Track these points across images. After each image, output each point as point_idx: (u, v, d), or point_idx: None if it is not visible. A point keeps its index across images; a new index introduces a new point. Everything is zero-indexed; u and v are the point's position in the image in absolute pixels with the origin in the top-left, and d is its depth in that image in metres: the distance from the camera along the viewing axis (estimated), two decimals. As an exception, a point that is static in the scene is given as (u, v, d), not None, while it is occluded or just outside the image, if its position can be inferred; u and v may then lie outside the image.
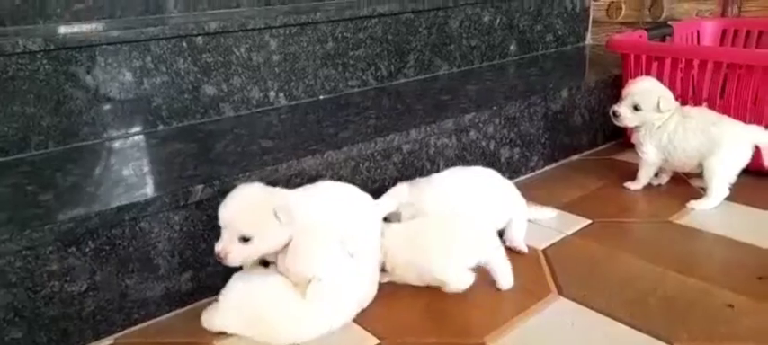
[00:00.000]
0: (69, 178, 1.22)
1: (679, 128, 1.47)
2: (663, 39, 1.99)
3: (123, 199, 1.07)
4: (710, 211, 1.42)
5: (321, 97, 1.86)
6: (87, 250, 1.02)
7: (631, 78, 1.77)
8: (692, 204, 1.44)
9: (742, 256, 1.21)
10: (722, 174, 1.42)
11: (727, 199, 1.44)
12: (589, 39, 2.64)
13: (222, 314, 1.02)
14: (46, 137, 1.42)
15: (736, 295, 1.07)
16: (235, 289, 1.02)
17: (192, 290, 1.14)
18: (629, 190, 1.57)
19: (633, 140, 1.57)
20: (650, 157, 1.52)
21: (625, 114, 1.51)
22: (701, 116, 1.48)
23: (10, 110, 1.37)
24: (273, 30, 1.72)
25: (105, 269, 1.05)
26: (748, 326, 0.98)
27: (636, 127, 1.53)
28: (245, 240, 0.99)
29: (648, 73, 1.72)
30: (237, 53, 1.67)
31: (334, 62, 1.87)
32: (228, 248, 0.99)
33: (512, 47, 2.35)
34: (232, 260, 1.00)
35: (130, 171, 1.25)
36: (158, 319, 1.11)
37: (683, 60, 1.66)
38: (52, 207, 1.06)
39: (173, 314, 1.13)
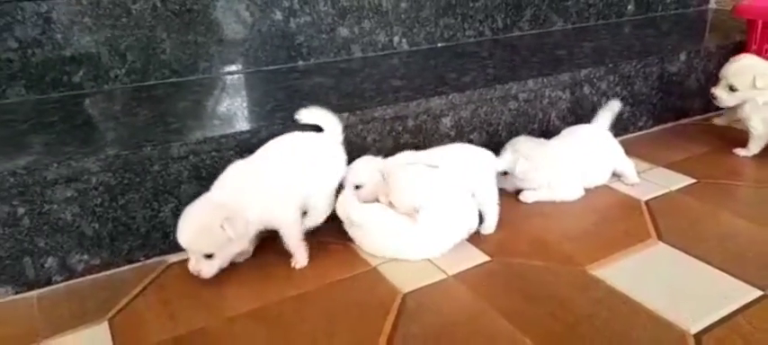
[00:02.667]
0: (235, 99, 1.46)
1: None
2: (796, 6, 1.92)
3: (285, 118, 1.29)
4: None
5: (439, 45, 2.00)
6: (257, 157, 1.25)
7: (755, 45, 1.77)
8: None
9: None
10: None
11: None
12: (713, 3, 2.56)
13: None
14: (211, 63, 1.67)
15: (835, 256, 1.13)
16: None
17: (331, 201, 1.35)
18: (737, 155, 1.60)
19: (739, 116, 1.59)
20: (759, 131, 1.54)
21: (722, 96, 1.54)
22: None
23: (185, 38, 1.62)
24: (403, -22, 1.86)
25: (268, 175, 1.27)
26: (844, 286, 1.05)
27: (739, 105, 1.55)
28: (209, 256, 1.07)
29: (775, 41, 1.71)
30: (370, -1, 1.83)
31: (454, 12, 1.99)
32: (198, 267, 1.08)
33: (630, 6, 2.35)
34: (207, 274, 1.08)
35: (284, 96, 1.46)
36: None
37: (815, 30, 1.63)
38: (229, 119, 1.30)
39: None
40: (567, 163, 1.40)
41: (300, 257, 1.17)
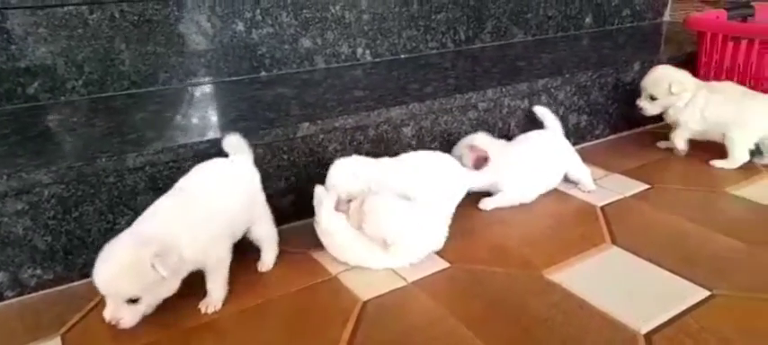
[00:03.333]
0: (195, 109, 1.45)
1: (710, 103, 1.59)
2: (744, 19, 2.01)
3: (245, 128, 1.28)
4: (764, 185, 1.50)
5: (402, 56, 2.02)
6: (216, 167, 1.24)
7: (706, 56, 1.84)
8: (715, 163, 1.62)
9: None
10: (744, 141, 1.58)
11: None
12: (667, 16, 2.65)
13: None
14: (171, 74, 1.66)
15: (778, 256, 1.17)
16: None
17: (293, 212, 1.35)
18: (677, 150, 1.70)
19: (667, 121, 1.70)
20: (689, 127, 1.65)
21: (645, 106, 1.66)
22: (730, 89, 1.61)
23: (144, 49, 1.60)
24: (365, -10, 1.89)
25: (228, 185, 1.27)
26: (786, 284, 1.09)
27: (664, 112, 1.66)
28: (133, 301, 0.93)
29: (724, 52, 1.78)
30: (333, 10, 1.85)
31: (417, 24, 2.02)
32: (118, 314, 0.93)
33: (587, 19, 2.42)
34: (128, 324, 0.94)
35: (245, 107, 1.46)
36: (267, 231, 1.33)
37: (758, 41, 1.70)
38: (188, 130, 1.29)
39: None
40: (524, 166, 1.43)
41: (219, 297, 1.07)
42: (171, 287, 0.98)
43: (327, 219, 1.19)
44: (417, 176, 1.28)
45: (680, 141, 1.68)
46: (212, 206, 1.05)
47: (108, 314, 0.93)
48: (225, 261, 1.08)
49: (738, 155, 1.59)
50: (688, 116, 1.63)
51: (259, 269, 1.18)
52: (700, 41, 1.85)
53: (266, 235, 1.19)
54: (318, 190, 1.21)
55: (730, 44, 1.77)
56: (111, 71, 1.58)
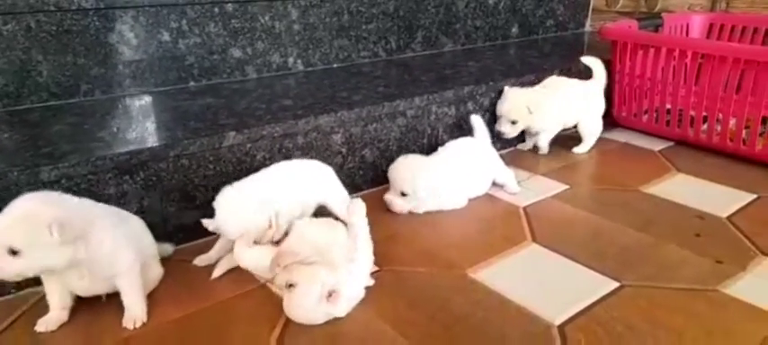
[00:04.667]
0: (118, 121, 1.42)
1: (562, 105, 1.76)
2: (656, 29, 2.16)
3: (168, 139, 1.27)
4: (673, 183, 1.61)
5: (335, 65, 2.04)
6: (138, 179, 1.22)
7: (620, 64, 1.96)
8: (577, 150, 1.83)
9: (687, 217, 1.42)
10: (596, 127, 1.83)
11: (683, 172, 1.70)
12: (588, 26, 2.80)
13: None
14: (93, 85, 1.61)
15: (679, 248, 1.26)
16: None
17: (221, 221, 1.34)
18: (525, 150, 1.87)
19: (531, 134, 1.83)
20: (549, 133, 1.81)
21: (507, 131, 1.72)
22: (563, 84, 1.81)
23: (63, 59, 1.55)
24: (295, 1, 1.90)
25: (152, 197, 1.24)
26: (686, 274, 1.18)
27: (527, 129, 1.78)
28: (13, 253, 0.90)
29: (634, 59, 1.90)
30: (262, 20, 1.85)
31: (348, 34, 2.05)
32: None
33: (514, 29, 2.52)
34: (5, 273, 0.91)
35: (170, 117, 1.44)
36: (195, 242, 1.31)
37: (665, 49, 1.82)
38: (109, 141, 1.26)
39: (202, 240, 1.33)
40: (451, 174, 1.47)
41: (141, 311, 1.05)
42: (57, 259, 0.93)
43: (250, 260, 1.14)
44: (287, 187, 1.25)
45: (545, 145, 1.82)
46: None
47: None
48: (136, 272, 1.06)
49: (597, 133, 1.83)
50: (548, 123, 1.77)
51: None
52: (613, 50, 1.97)
53: None
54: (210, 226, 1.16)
55: (640, 52, 1.89)
56: (28, 83, 1.52)
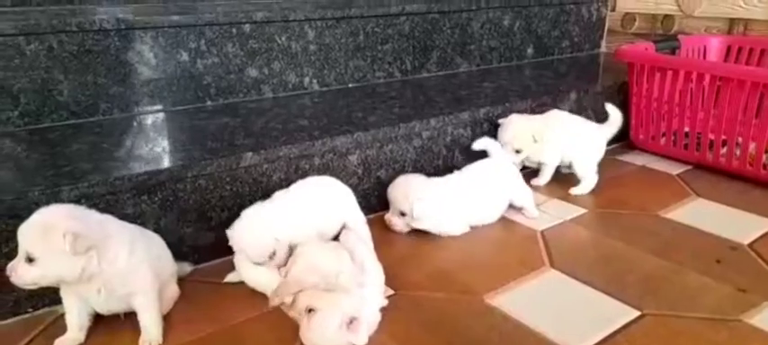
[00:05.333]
0: (136, 140, 1.43)
1: (566, 138, 1.70)
2: (672, 51, 2.14)
3: (186, 159, 1.27)
4: (692, 208, 1.59)
5: (350, 85, 2.05)
6: (156, 199, 1.22)
7: (637, 86, 1.94)
8: (574, 191, 1.70)
9: (707, 243, 1.40)
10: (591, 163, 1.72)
11: (702, 196, 1.67)
12: (603, 47, 2.79)
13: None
14: (112, 104, 1.63)
15: (700, 275, 1.24)
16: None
17: (236, 242, 1.34)
18: (538, 185, 1.75)
19: (534, 162, 1.76)
20: (551, 166, 1.75)
21: (513, 160, 1.64)
22: (573, 121, 1.74)
23: (84, 79, 1.58)
24: (312, 22, 1.91)
25: (169, 217, 1.25)
26: (707, 302, 1.15)
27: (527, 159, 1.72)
28: (30, 260, 0.94)
29: (651, 82, 1.89)
30: (279, 41, 1.86)
31: (363, 54, 2.06)
32: (15, 265, 0.95)
33: (529, 50, 2.52)
34: (18, 279, 0.95)
35: (187, 137, 1.45)
36: (210, 263, 1.31)
37: (683, 72, 1.81)
38: (127, 161, 1.27)
39: (218, 261, 1.33)
40: (453, 200, 1.44)
41: (157, 333, 1.06)
42: (68, 270, 0.96)
43: (253, 279, 1.18)
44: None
45: (546, 179, 1.75)
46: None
47: (9, 263, 0.95)
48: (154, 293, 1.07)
49: (593, 176, 1.71)
50: (548, 157, 1.72)
51: None
52: (630, 72, 1.95)
53: None
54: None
55: (657, 75, 1.88)
56: (49, 102, 1.54)
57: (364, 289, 1.07)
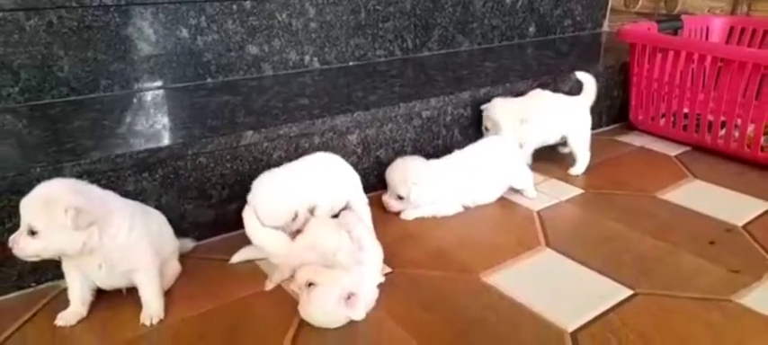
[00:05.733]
0: (137, 117, 1.44)
1: (550, 117, 1.68)
2: (675, 32, 2.13)
3: (187, 137, 1.28)
4: (689, 189, 1.60)
5: (351, 63, 2.05)
6: (157, 176, 1.24)
7: (638, 66, 1.94)
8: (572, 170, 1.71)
9: (702, 225, 1.41)
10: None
11: (699, 178, 1.68)
12: (606, 27, 2.77)
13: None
14: (112, 81, 1.63)
15: (694, 256, 1.26)
16: None
17: (237, 219, 1.34)
18: None
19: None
20: (531, 147, 1.70)
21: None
22: (555, 100, 1.71)
23: (84, 55, 1.58)
24: (312, -1, 1.90)
25: (169, 194, 1.26)
26: (700, 283, 1.17)
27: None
28: (32, 233, 0.96)
29: (653, 62, 1.88)
30: (279, 18, 1.86)
31: (364, 32, 2.05)
32: (17, 238, 0.96)
33: (531, 29, 2.50)
34: (20, 251, 0.96)
35: (188, 115, 1.46)
36: (211, 240, 1.33)
37: (684, 53, 1.81)
38: (129, 138, 1.28)
39: (219, 237, 1.34)
40: (450, 182, 1.45)
41: (159, 308, 1.07)
42: (69, 244, 0.98)
43: (262, 238, 1.19)
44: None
45: (528, 160, 1.70)
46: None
47: (12, 236, 0.97)
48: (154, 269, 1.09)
49: (587, 151, 1.71)
50: (532, 137, 1.68)
51: None
52: (631, 52, 1.95)
53: None
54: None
55: (659, 55, 1.87)
56: (50, 78, 1.55)
57: (363, 267, 1.09)
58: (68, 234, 0.96)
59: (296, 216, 1.22)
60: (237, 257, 1.25)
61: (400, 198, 1.44)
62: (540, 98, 1.72)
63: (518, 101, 1.69)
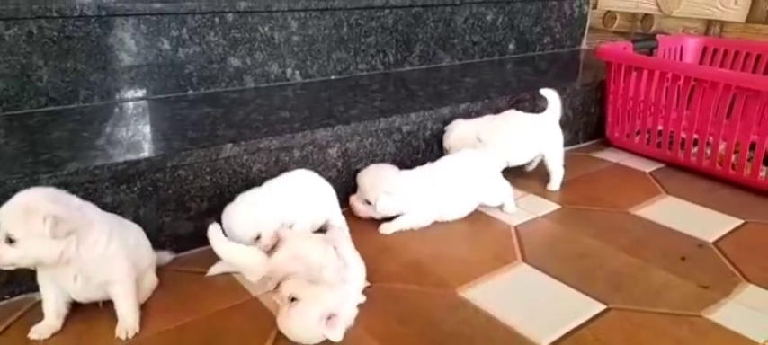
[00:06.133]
0: (116, 128, 1.43)
1: (514, 137, 1.68)
2: (650, 51, 2.18)
3: (166, 149, 1.28)
4: (662, 205, 1.64)
5: (332, 77, 2.06)
6: (135, 188, 1.23)
7: (614, 84, 1.99)
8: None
9: (674, 241, 1.44)
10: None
11: (672, 194, 1.71)
12: (585, 44, 2.83)
13: None
14: (92, 91, 1.63)
15: (665, 272, 1.29)
16: None
17: (215, 231, 1.35)
18: None
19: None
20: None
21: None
22: (522, 120, 1.72)
23: (64, 65, 1.57)
24: (295, 12, 1.92)
25: (148, 206, 1.26)
26: (671, 298, 1.20)
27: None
28: (10, 241, 0.95)
29: (628, 80, 1.93)
30: (262, 31, 1.87)
31: (346, 46, 2.07)
32: None
33: (511, 45, 2.55)
34: (2, 264, 0.96)
35: (168, 126, 1.46)
36: (189, 252, 1.32)
37: (657, 72, 1.85)
38: (107, 150, 1.27)
39: (196, 250, 1.34)
40: (422, 194, 1.46)
41: (133, 321, 1.07)
42: (47, 253, 0.98)
43: (227, 252, 1.20)
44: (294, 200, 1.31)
45: None
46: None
47: None
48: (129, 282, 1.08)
49: (561, 167, 1.74)
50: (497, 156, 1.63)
51: None
52: (607, 70, 1.99)
53: None
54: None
55: (634, 74, 1.92)
56: (28, 87, 1.54)
57: (347, 285, 1.10)
58: (46, 243, 0.96)
59: (258, 236, 1.22)
60: (214, 269, 1.25)
61: (368, 202, 1.45)
62: (503, 118, 1.71)
63: (476, 121, 1.69)
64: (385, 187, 1.43)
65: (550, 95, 1.75)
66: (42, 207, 0.95)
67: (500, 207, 1.57)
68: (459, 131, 1.65)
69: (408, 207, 1.46)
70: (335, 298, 1.04)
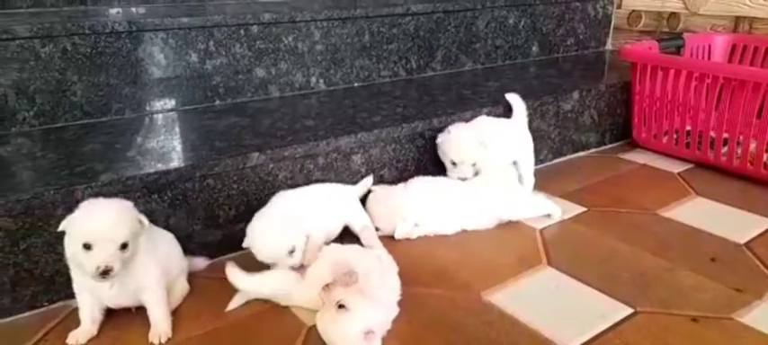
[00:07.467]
0: (147, 140, 1.48)
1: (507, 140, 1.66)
2: (677, 49, 2.15)
3: (195, 159, 1.32)
4: (691, 206, 1.61)
5: (356, 85, 2.08)
6: (166, 197, 1.27)
7: (640, 85, 1.96)
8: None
9: (704, 242, 1.42)
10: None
11: (701, 195, 1.68)
12: (609, 45, 2.80)
13: None
14: (124, 104, 1.68)
15: (694, 274, 1.27)
16: None
17: (243, 239, 1.38)
18: None
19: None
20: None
21: (469, 175, 1.57)
22: (500, 124, 1.69)
23: (97, 80, 1.63)
24: (318, 22, 1.95)
25: (178, 215, 1.30)
26: (700, 301, 1.18)
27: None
28: (123, 247, 1.02)
29: (654, 80, 1.90)
30: (286, 41, 1.90)
31: (369, 54, 2.09)
32: (112, 261, 0.99)
33: (534, 48, 2.54)
34: (117, 272, 1.01)
35: (196, 137, 1.49)
36: (218, 259, 1.36)
37: (684, 72, 1.83)
38: (139, 161, 1.31)
39: (225, 257, 1.37)
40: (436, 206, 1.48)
41: (167, 326, 1.10)
42: (136, 249, 1.05)
43: (245, 284, 1.19)
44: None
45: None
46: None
47: (99, 260, 0.99)
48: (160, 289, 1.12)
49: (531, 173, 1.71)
50: (499, 160, 1.63)
51: None
52: (633, 71, 1.97)
53: None
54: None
55: (660, 74, 1.90)
56: (63, 102, 1.60)
57: (391, 294, 1.12)
58: (137, 240, 1.06)
59: (293, 249, 1.23)
60: (234, 304, 1.20)
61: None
62: (487, 123, 1.67)
63: (471, 126, 1.65)
64: (399, 216, 1.45)
65: (514, 100, 1.74)
66: (131, 207, 1.07)
67: (547, 216, 1.55)
68: (463, 141, 1.57)
69: (425, 220, 1.47)
70: (379, 316, 1.06)
